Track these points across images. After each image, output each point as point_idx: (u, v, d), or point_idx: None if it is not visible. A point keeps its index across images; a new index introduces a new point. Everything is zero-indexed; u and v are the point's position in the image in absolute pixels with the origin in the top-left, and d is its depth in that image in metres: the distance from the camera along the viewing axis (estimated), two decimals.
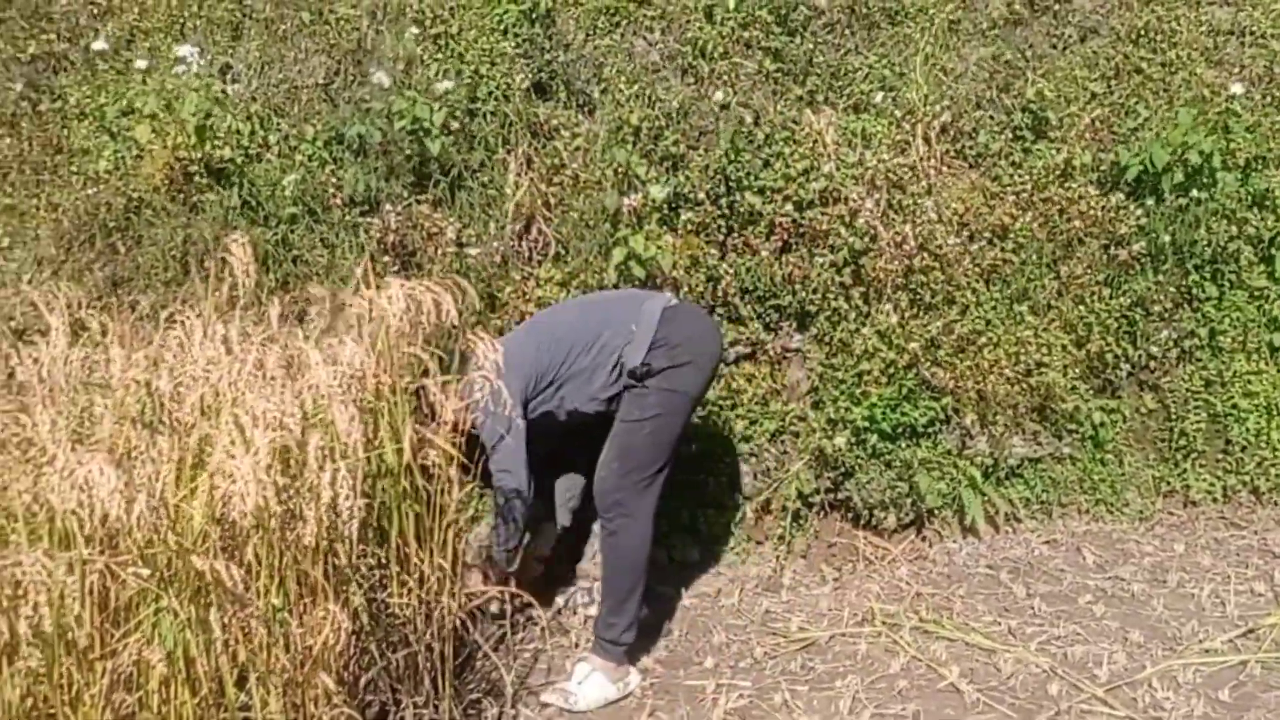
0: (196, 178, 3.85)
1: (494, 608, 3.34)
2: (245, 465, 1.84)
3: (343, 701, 2.04)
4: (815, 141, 4.31)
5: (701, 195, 4.14)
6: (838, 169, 4.24)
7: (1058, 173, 4.45)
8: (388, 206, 3.90)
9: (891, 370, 4.11)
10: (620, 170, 4.06)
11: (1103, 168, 4.54)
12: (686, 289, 4.07)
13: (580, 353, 3.27)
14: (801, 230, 4.21)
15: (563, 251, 4.07)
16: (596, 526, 3.61)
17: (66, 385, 2.27)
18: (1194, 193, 4.42)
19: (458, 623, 2.89)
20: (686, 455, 4.06)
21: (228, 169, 3.89)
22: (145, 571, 1.77)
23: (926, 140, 4.44)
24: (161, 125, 3.85)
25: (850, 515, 4.17)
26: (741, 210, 4.18)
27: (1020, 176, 4.44)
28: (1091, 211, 4.38)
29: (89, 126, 3.99)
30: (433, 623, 2.77)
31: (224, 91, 4.02)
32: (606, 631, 3.24)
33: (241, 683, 1.91)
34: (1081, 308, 4.38)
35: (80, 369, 2.35)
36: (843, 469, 4.11)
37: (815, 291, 4.17)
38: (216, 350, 2.34)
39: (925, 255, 4.19)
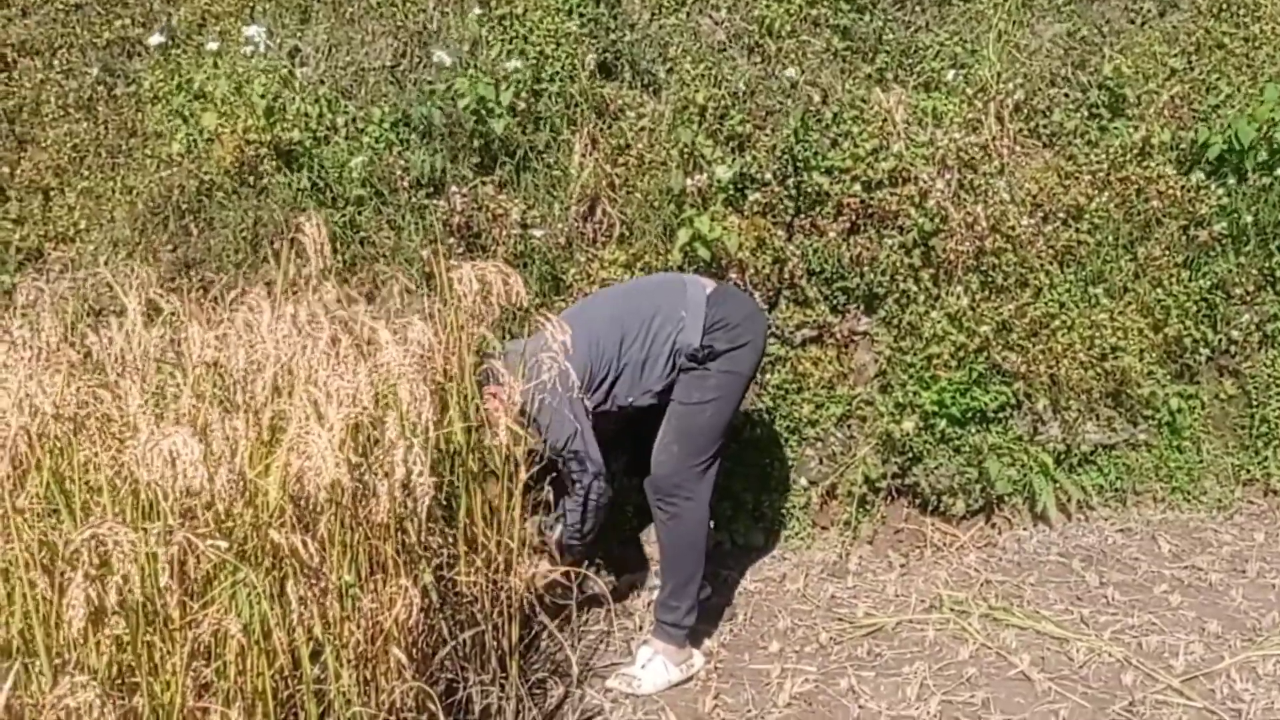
0: (266, 160, 3.88)
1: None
2: (320, 441, 1.85)
3: (412, 676, 2.05)
4: (884, 120, 4.24)
5: (768, 176, 4.09)
6: (907, 148, 4.17)
7: (1135, 151, 4.33)
8: (453, 188, 3.91)
9: (961, 354, 4.04)
10: (686, 150, 4.03)
11: (1182, 146, 4.41)
12: (752, 270, 4.03)
13: (632, 344, 3.17)
14: (870, 211, 4.15)
15: (627, 233, 4.05)
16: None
17: (143, 364, 2.30)
18: (1278, 171, 4.28)
19: (524, 603, 2.89)
20: (751, 439, 4.03)
21: (296, 151, 3.92)
22: (224, 544, 1.78)
23: (999, 119, 4.35)
24: (232, 108, 3.89)
25: (918, 501, 4.11)
26: (809, 191, 4.13)
27: (1096, 155, 4.33)
28: (1170, 191, 4.26)
29: (162, 110, 4.05)
30: (499, 602, 2.78)
31: (291, 74, 4.05)
32: (667, 615, 3.23)
33: (315, 656, 1.93)
34: (1159, 290, 4.27)
35: (156, 348, 2.38)
36: (910, 454, 4.05)
37: (884, 273, 4.11)
38: (289, 329, 2.35)
39: (997, 236, 4.11)
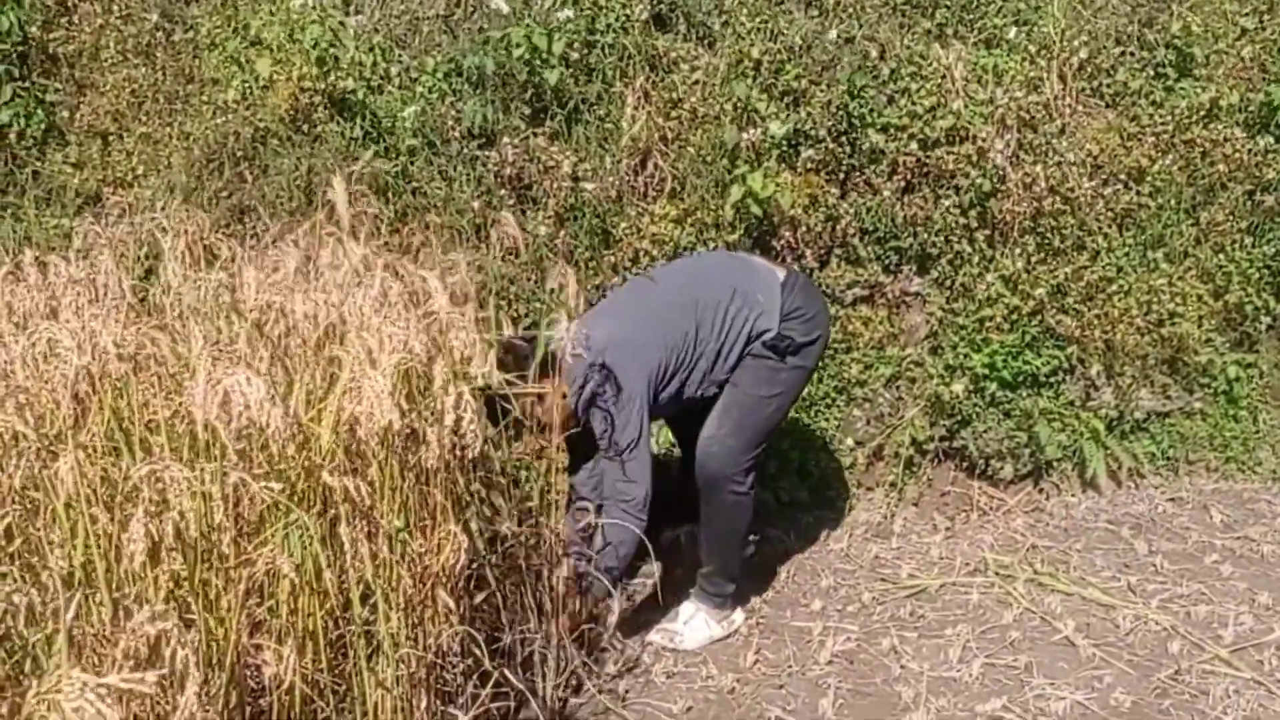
0: (319, 109, 3.89)
1: (612, 621, 3.00)
2: (374, 386, 1.87)
3: (459, 620, 2.08)
4: (943, 78, 4.16)
5: (822, 132, 4.04)
6: (966, 106, 4.09)
7: (1202, 113, 4.22)
8: (505, 139, 3.90)
9: (1015, 317, 3.99)
10: (739, 105, 3.99)
11: (1251, 108, 4.29)
12: (804, 228, 3.99)
13: (709, 331, 2.96)
14: (926, 170, 4.09)
15: (679, 188, 4.02)
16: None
17: (198, 308, 2.33)
18: None
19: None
20: (799, 397, 4.01)
21: (350, 100, 3.93)
22: (277, 486, 1.81)
23: (1062, 78, 4.25)
24: (287, 55, 3.90)
25: (965, 464, 4.08)
26: (864, 148, 4.07)
27: (1161, 117, 4.23)
28: (1237, 155, 4.15)
29: (219, 57, 4.07)
30: (541, 553, 2.79)
31: (341, 23, 4.05)
32: (710, 585, 3.20)
33: (365, 599, 1.96)
34: (1221, 256, 4.18)
35: (211, 293, 2.40)
36: (959, 417, 4.02)
37: (938, 234, 4.06)
38: (342, 277, 2.37)
39: (1056, 198, 4.03)
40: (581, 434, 2.91)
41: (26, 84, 3.98)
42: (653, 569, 3.30)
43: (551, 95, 4.01)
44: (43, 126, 3.97)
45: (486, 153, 3.93)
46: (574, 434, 2.89)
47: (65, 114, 4.03)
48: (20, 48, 4.00)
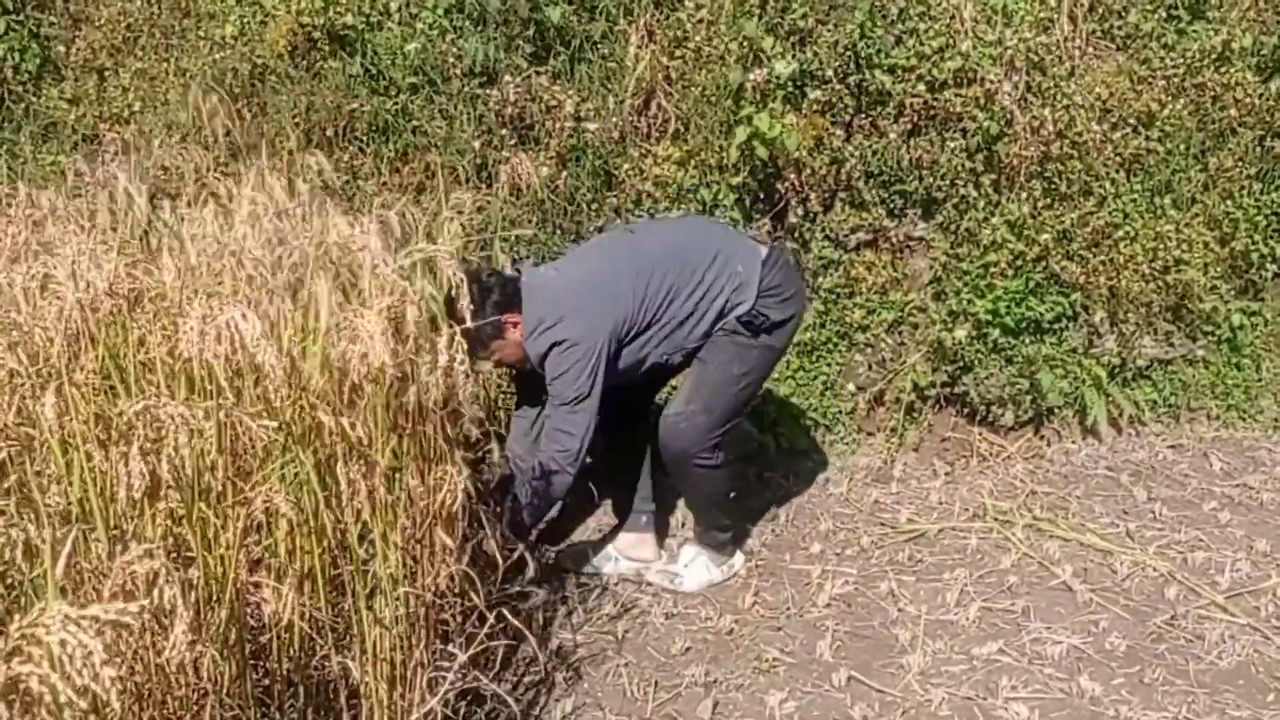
0: (320, 44, 3.83)
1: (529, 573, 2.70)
2: (368, 324, 1.85)
3: (456, 560, 2.09)
4: (952, 18, 4.09)
5: (829, 73, 3.98)
6: (974, 48, 4.03)
7: (1213, 56, 4.16)
8: (507, 78, 3.84)
9: (1019, 263, 3.96)
10: (745, 44, 3.92)
11: (1264, 51, 4.22)
12: (809, 170, 3.94)
13: (682, 293, 2.85)
14: (933, 112, 4.03)
15: (683, 129, 3.97)
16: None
17: (194, 246, 2.30)
18: None
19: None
20: (800, 342, 4.00)
21: (349, 36, 3.87)
22: (272, 424, 1.80)
23: (1072, 18, 4.18)
24: None
25: (966, 410, 4.08)
26: (870, 90, 4.01)
27: (1172, 59, 4.16)
28: (1248, 99, 4.10)
29: None
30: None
31: None
32: (707, 536, 3.20)
33: (363, 539, 1.96)
34: (1229, 203, 4.13)
35: (207, 231, 2.38)
36: (961, 363, 4.00)
37: (944, 178, 4.01)
38: (334, 218, 2.35)
39: (1063, 142, 3.98)
40: (532, 376, 2.88)
41: (21, 17, 3.92)
42: (650, 507, 3.30)
43: (555, 33, 3.94)
44: (38, 61, 3.92)
45: (488, 91, 3.87)
46: (525, 374, 2.89)
47: (60, 48, 3.98)
48: None
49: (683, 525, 3.46)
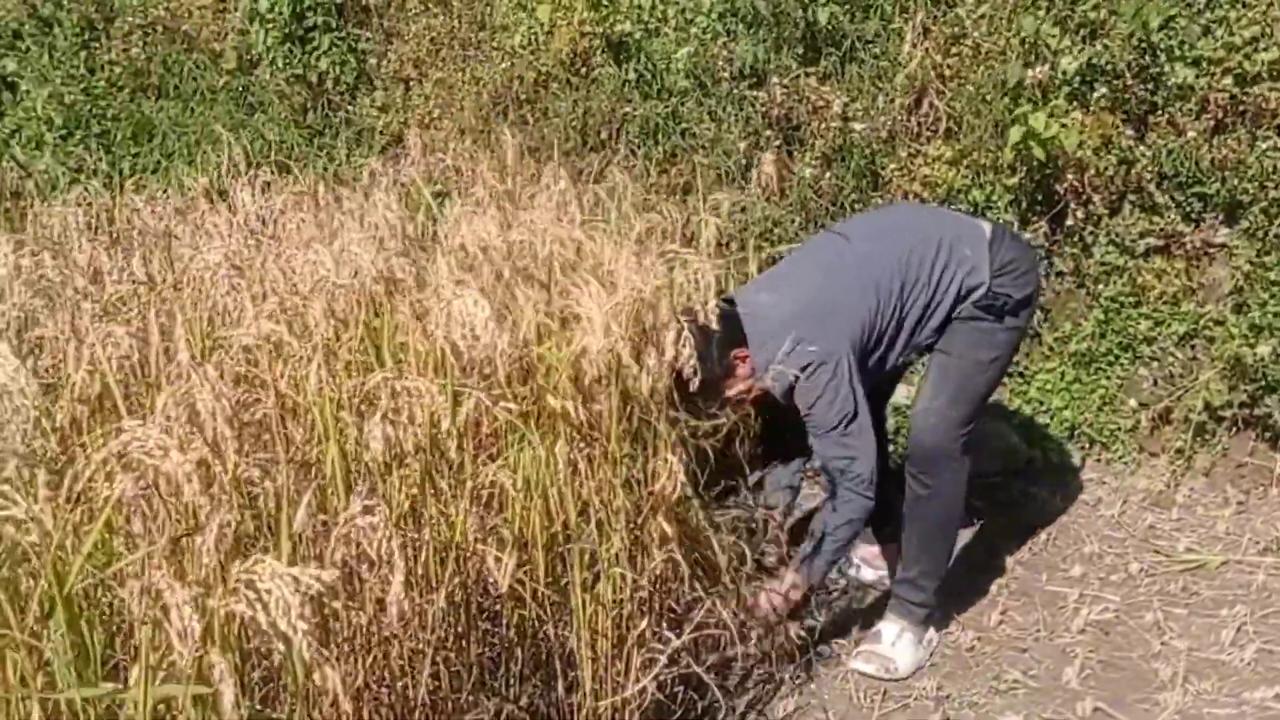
0: (597, 52, 4.02)
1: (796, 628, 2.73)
2: (601, 316, 1.95)
3: (676, 547, 2.15)
4: (1269, 4, 3.71)
5: (1121, 67, 3.72)
6: None
7: None
8: (774, 79, 3.87)
9: None
10: (1027, 40, 3.74)
11: None
12: (1093, 171, 3.72)
13: (914, 292, 2.64)
14: (1241, 109, 3.68)
15: (955, 128, 3.85)
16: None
17: (450, 243, 2.47)
18: None
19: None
20: (1076, 352, 3.78)
21: (627, 43, 4.03)
22: (512, 406, 1.93)
23: None
24: (570, 1, 4.05)
25: (1268, 435, 3.69)
26: (1169, 84, 3.72)
27: None
28: None
29: (509, 3, 4.28)
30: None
31: None
32: (914, 594, 2.82)
33: (586, 520, 2.06)
34: None
35: (470, 229, 2.57)
36: (1264, 382, 3.63)
37: (1251, 180, 3.65)
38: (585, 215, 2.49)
39: None
40: (782, 409, 2.69)
41: (342, 34, 4.37)
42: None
43: (825, 34, 3.93)
44: (354, 74, 4.35)
45: (755, 93, 3.92)
46: (775, 409, 2.71)
47: (374, 61, 4.39)
48: (337, 0, 4.39)
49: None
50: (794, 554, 2.72)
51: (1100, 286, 3.78)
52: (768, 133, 3.86)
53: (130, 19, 4.57)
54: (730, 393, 2.63)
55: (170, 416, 1.40)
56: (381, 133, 4.27)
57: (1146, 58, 3.72)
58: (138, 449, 1.28)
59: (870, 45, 3.95)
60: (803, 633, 2.73)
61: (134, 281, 2.29)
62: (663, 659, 2.15)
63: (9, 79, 4.51)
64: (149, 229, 2.93)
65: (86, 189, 3.69)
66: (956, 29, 3.87)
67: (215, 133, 3.98)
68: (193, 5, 4.57)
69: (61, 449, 1.82)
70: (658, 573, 2.17)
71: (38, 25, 4.54)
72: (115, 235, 3.06)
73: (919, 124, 3.89)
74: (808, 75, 3.91)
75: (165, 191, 3.61)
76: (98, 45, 4.57)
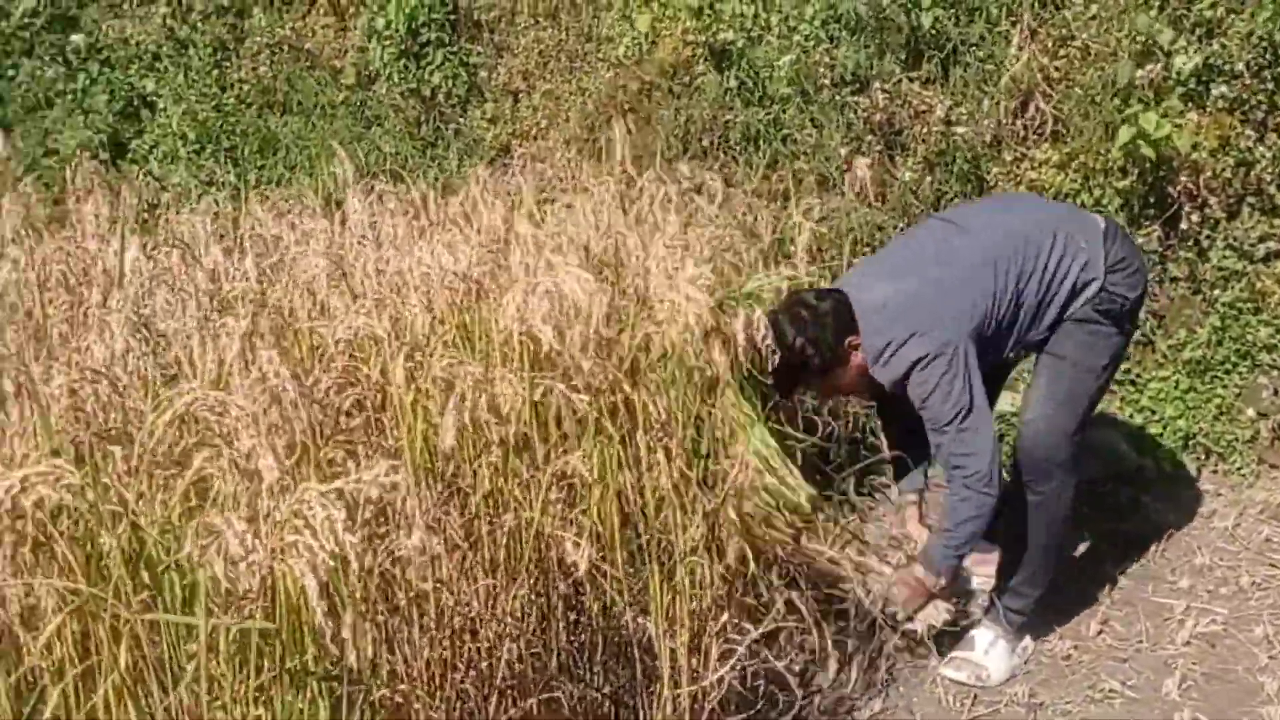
0: (700, 60, 4.08)
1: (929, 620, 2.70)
2: (677, 312, 2.00)
3: (746, 535, 2.18)
4: None
5: (1240, 66, 3.60)
6: None
7: None
8: (877, 84, 3.86)
9: None
10: (1140, 40, 3.65)
11: None
12: (1208, 174, 3.60)
13: (1034, 281, 2.55)
14: None
15: (1062, 131, 3.78)
16: None
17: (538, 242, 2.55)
18: None
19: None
20: (1191, 359, 3.66)
21: (729, 51, 4.08)
22: (586, 398, 2.00)
23: None
24: (674, 10, 4.12)
25: None
26: None
27: None
28: None
29: (615, 15, 4.38)
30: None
31: None
32: (1014, 602, 2.77)
33: (661, 511, 2.11)
34: None
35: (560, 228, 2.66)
36: None
37: None
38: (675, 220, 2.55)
39: None
40: (894, 403, 2.67)
41: (454, 49, 4.53)
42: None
43: (929, 38, 3.91)
44: (465, 87, 4.51)
45: (857, 99, 3.92)
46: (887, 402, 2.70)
47: (484, 74, 4.54)
48: (450, 16, 4.56)
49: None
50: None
51: (1217, 292, 3.66)
52: (869, 138, 3.86)
53: (259, 39, 4.84)
54: (843, 381, 2.62)
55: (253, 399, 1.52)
56: (491, 144, 4.41)
57: (1267, 57, 3.59)
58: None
59: (975, 49, 3.91)
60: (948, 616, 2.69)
61: (246, 279, 2.44)
62: (740, 649, 2.18)
63: (148, 98, 4.84)
64: (267, 235, 3.10)
65: (215, 200, 3.92)
66: (1064, 30, 3.80)
67: (333, 147, 4.18)
68: (316, 25, 4.81)
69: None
70: (729, 564, 2.19)
71: (175, 47, 4.86)
72: (238, 240, 3.25)
73: (1025, 127, 3.83)
74: (910, 80, 3.90)
75: (287, 201, 3.80)
76: (229, 64, 4.86)
